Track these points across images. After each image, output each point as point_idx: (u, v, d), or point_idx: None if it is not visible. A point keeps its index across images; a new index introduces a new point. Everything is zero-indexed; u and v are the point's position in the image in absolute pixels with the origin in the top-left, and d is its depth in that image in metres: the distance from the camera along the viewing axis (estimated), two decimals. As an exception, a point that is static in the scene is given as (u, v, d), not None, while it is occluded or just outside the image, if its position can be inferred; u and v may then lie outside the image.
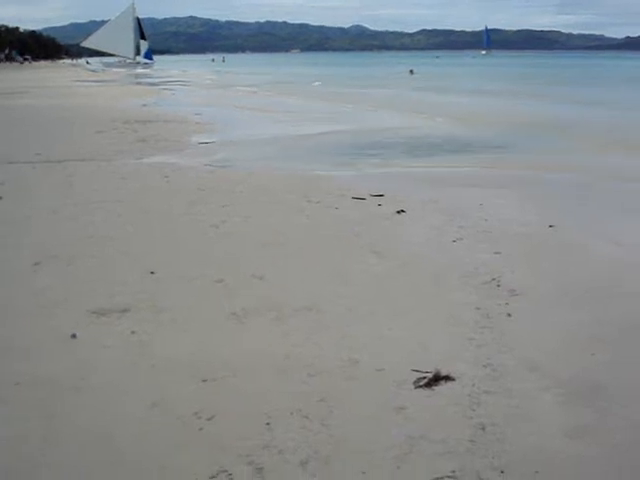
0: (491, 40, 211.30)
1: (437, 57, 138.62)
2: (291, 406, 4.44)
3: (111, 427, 4.24)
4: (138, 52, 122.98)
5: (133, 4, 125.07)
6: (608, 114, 26.12)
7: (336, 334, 5.56)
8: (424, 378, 4.72)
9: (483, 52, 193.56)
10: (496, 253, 7.73)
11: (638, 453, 3.99)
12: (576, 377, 4.89)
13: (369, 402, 4.50)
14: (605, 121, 23.68)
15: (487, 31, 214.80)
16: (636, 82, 55.38)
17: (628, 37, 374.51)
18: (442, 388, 4.65)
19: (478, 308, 6.09)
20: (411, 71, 69.52)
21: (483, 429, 4.17)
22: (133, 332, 5.62)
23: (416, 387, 4.64)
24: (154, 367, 5.05)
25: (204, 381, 4.79)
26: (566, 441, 4.11)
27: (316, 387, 4.69)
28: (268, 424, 4.23)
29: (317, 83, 53.19)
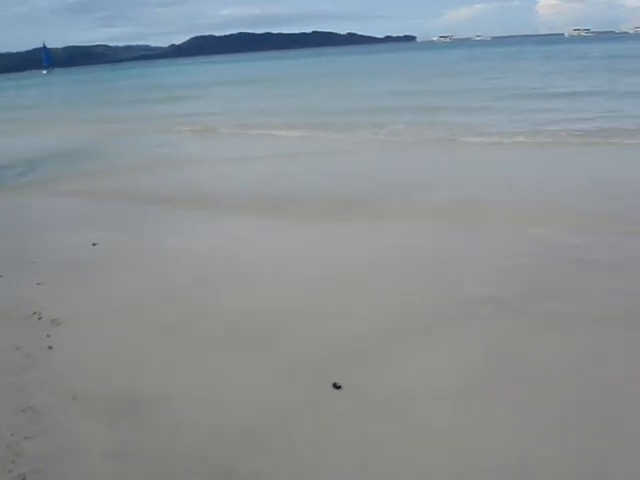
0: (51, 59, 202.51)
1: None
2: None
3: None
4: None
5: None
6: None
7: None
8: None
9: (44, 72, 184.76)
10: (39, 284, 7.53)
11: (175, 463, 4.25)
12: (118, 396, 5.00)
13: None
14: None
15: (46, 50, 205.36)
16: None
17: (173, 45, 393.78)
18: (-25, 450, 4.38)
19: (19, 348, 5.88)
20: None
21: (24, 480, 4.06)
22: None
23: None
24: None
25: None
26: (109, 465, 4.21)
27: None
28: None
29: None
